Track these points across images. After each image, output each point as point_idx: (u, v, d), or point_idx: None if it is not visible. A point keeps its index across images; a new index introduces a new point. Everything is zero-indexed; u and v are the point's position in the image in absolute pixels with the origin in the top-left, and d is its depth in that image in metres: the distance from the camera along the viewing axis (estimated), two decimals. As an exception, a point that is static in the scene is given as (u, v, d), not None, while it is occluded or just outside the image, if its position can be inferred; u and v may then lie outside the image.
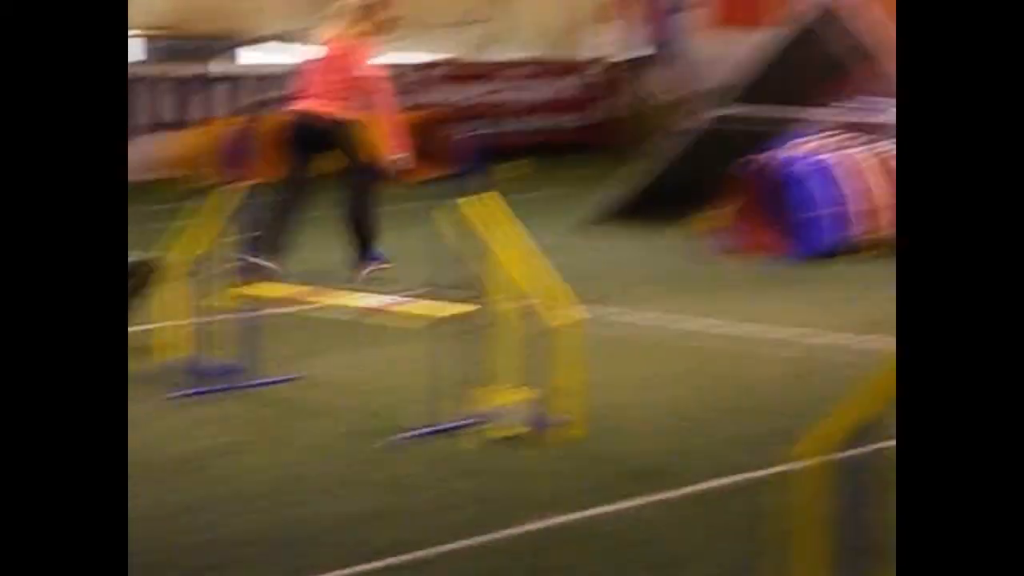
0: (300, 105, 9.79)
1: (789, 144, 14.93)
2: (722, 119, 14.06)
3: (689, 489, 6.40)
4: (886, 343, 8.97)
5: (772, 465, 6.65)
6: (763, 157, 13.20)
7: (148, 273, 9.56)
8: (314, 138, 9.69)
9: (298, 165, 9.54)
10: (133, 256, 9.33)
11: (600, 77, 23.09)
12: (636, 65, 22.43)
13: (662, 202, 14.67)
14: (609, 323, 9.87)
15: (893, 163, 13.26)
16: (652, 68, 22.12)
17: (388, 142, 9.77)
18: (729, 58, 19.47)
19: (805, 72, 14.60)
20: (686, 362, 8.76)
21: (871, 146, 14.06)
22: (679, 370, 8.54)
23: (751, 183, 12.99)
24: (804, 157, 13.59)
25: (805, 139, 15.26)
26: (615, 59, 23.21)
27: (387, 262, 9.89)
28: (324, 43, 10.01)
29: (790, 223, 12.55)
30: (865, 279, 11.65)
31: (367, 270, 9.74)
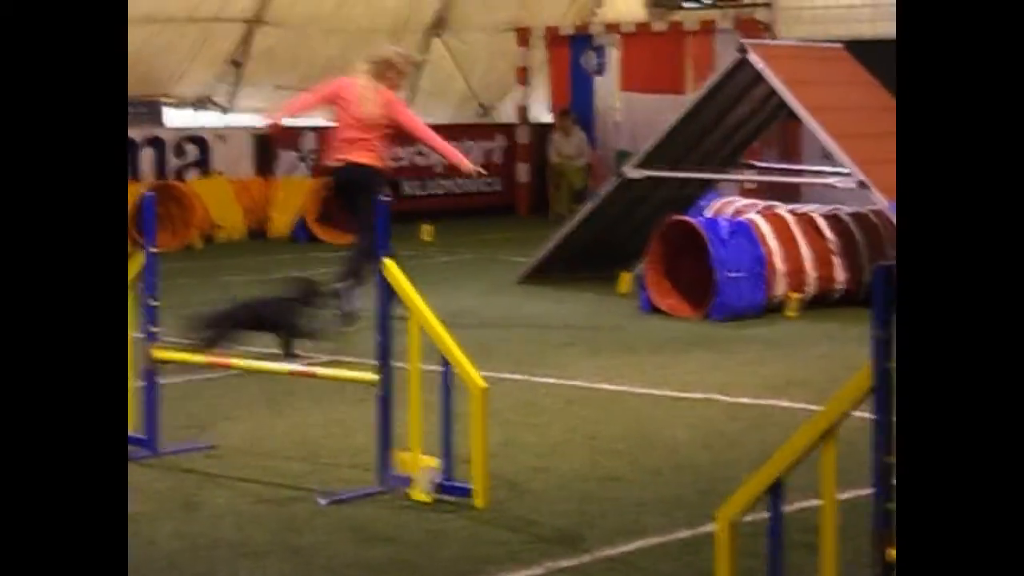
0: (342, 158, 11.80)
1: (710, 204, 15.01)
2: (642, 180, 14.08)
3: (602, 553, 6.33)
4: (803, 404, 9.01)
5: (687, 527, 6.61)
6: (683, 217, 13.22)
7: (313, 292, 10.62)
8: (355, 185, 11.60)
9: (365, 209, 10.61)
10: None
11: (520, 139, 23.14)
12: (553, 128, 22.50)
13: (582, 262, 14.68)
14: (526, 385, 9.82)
15: (815, 224, 13.33)
16: (571, 131, 22.17)
17: (458, 158, 12.13)
18: (648, 120, 19.61)
19: (725, 133, 14.67)
20: (601, 424, 8.71)
21: (792, 206, 14.14)
22: (594, 432, 8.49)
23: (671, 243, 13.01)
24: (725, 217, 13.63)
25: (726, 199, 15.35)
26: (534, 121, 23.28)
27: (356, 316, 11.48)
28: (348, 99, 11.78)
29: (711, 283, 12.56)
30: (786, 340, 11.67)
31: (344, 312, 11.53)
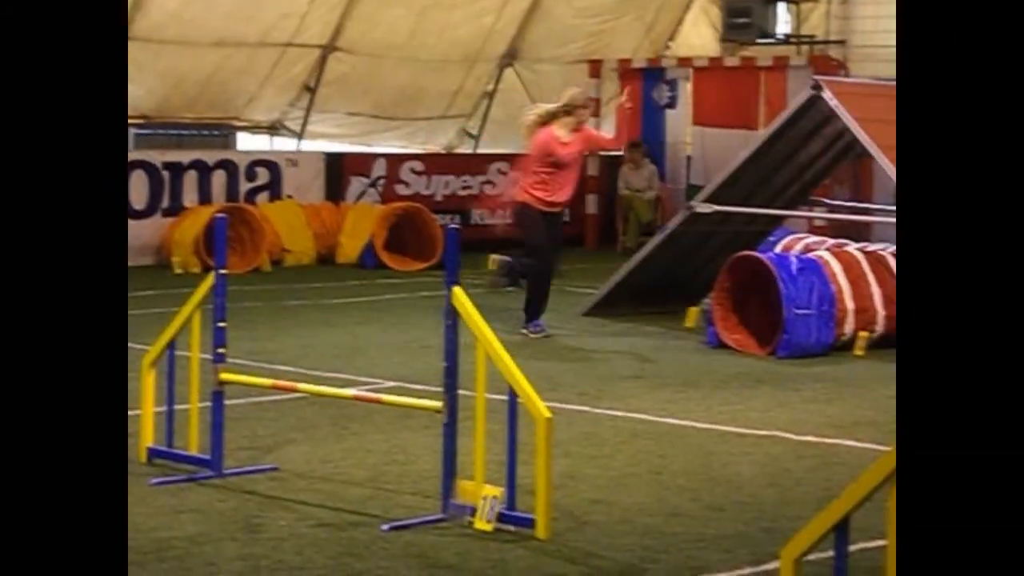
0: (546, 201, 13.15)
1: (779, 241, 14.95)
2: (711, 215, 14.03)
3: (664, 588, 6.29)
4: (869, 444, 8.93)
5: (750, 565, 6.56)
6: (752, 253, 13.17)
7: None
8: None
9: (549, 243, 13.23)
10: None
11: (589, 171, 23.13)
12: (623, 161, 22.48)
13: (649, 296, 14.64)
14: (590, 417, 9.79)
15: (885, 262, 13.24)
16: (640, 163, 22.15)
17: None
18: (719, 154, 19.56)
19: (796, 169, 14.61)
20: (666, 458, 8.67)
21: (863, 245, 14.06)
22: (658, 466, 8.45)
23: (739, 278, 12.96)
24: (794, 254, 13.57)
25: (795, 236, 15.28)
26: (604, 153, 23.26)
27: (547, 332, 13.30)
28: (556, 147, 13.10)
29: (779, 320, 12.50)
30: (853, 379, 11.58)
31: (533, 332, 13.26)
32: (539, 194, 13.14)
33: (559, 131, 13.20)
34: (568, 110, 13.25)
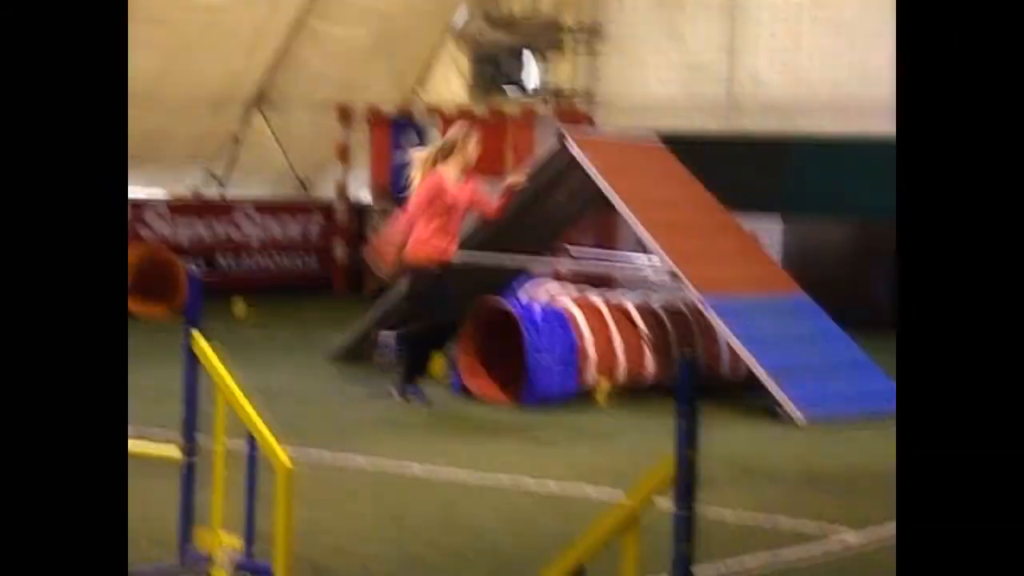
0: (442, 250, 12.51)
1: (524, 290, 15.09)
2: (457, 262, 14.10)
3: (404, 637, 6.28)
4: (609, 492, 9.05)
5: (489, 612, 6.59)
6: (497, 301, 13.27)
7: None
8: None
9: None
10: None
11: (339, 217, 23.11)
12: (374, 208, 22.51)
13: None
14: (334, 465, 9.74)
15: (628, 312, 13.45)
16: (389, 211, 22.19)
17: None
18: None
19: (542, 218, 14.78)
20: (408, 506, 8.66)
21: (607, 295, 14.26)
22: (400, 514, 8.44)
23: (485, 326, 13.04)
24: (539, 304, 13.70)
25: (540, 284, 15.44)
26: (353, 200, 23.27)
27: (429, 402, 12.43)
28: (446, 192, 12.37)
29: (523, 368, 12.60)
30: (595, 427, 11.72)
31: (413, 397, 12.45)
32: (437, 243, 12.46)
33: (449, 173, 12.53)
34: (446, 151, 12.56)
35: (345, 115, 22.99)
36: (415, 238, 12.45)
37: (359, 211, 22.95)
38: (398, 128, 22.85)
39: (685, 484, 4.83)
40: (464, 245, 14.09)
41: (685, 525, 4.87)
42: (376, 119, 22.96)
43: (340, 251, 22.90)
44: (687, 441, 4.81)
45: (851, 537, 8.29)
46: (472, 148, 12.62)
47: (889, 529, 8.53)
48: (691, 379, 4.81)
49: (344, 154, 23.15)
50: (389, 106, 23.21)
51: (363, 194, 23.39)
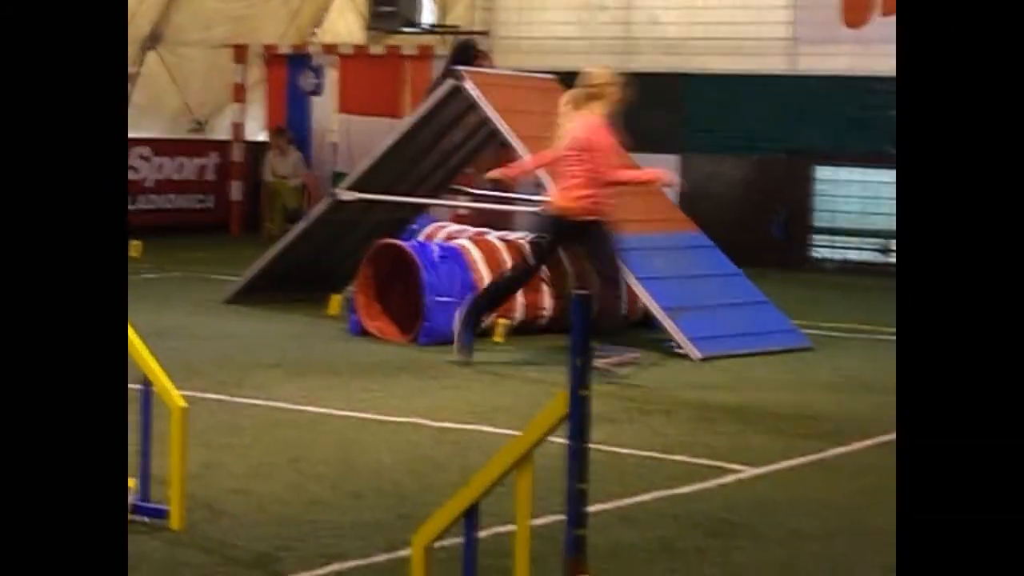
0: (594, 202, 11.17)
1: (420, 229, 15.06)
2: (354, 203, 14.06)
3: (298, 577, 6.28)
4: (506, 430, 9.08)
5: (385, 552, 6.60)
6: (394, 241, 13.24)
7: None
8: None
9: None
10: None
11: (234, 157, 22.94)
12: (268, 147, 22.38)
13: (293, 283, 14.59)
14: (230, 406, 9.70)
15: (525, 250, 13.44)
16: (286, 150, 22.05)
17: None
18: (365, 142, 19.61)
19: (439, 158, 14.75)
20: (305, 447, 8.65)
21: (505, 234, 14.26)
22: (297, 455, 8.43)
23: (382, 266, 13.01)
24: (435, 243, 13.69)
25: (438, 225, 15.42)
26: (250, 140, 23.10)
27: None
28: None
29: (420, 307, 12.59)
30: (493, 366, 11.74)
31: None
32: (587, 193, 11.19)
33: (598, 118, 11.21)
34: (592, 94, 11.26)
35: (240, 54, 22.78)
36: (567, 186, 11.22)
37: (255, 151, 22.77)
38: (294, 67, 22.69)
39: (578, 422, 4.86)
40: (361, 187, 14.06)
41: (579, 463, 4.90)
42: (272, 58, 22.78)
43: (236, 191, 22.74)
44: (580, 379, 4.83)
45: (745, 472, 8.38)
46: (617, 92, 11.32)
47: (783, 464, 8.64)
48: (585, 317, 4.83)
49: (240, 94, 22.95)
50: (285, 45, 23.03)
51: (259, 134, 23.22)
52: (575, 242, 11.61)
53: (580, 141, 11.14)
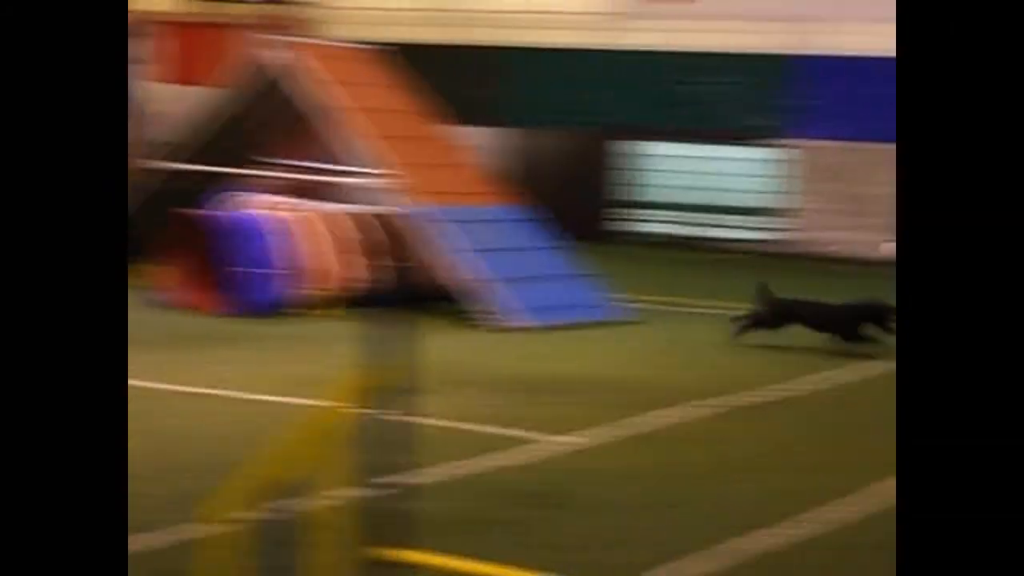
0: None
1: (235, 200, 14.79)
2: (169, 174, 13.78)
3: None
4: (319, 402, 8.89)
5: (190, 523, 6.39)
6: (208, 212, 12.97)
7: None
8: None
9: None
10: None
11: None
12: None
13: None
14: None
15: (341, 222, 13.26)
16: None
17: None
18: (179, 113, 19.26)
19: (256, 131, 14.49)
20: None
21: (320, 205, 14.05)
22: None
23: (195, 238, 12.74)
24: (250, 213, 13.43)
25: (252, 196, 15.15)
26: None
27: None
28: None
29: (234, 279, 12.35)
30: (306, 337, 11.56)
31: None
32: None
33: None
34: None
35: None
36: None
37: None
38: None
39: (388, 392, 4.75)
40: (170, 157, 13.76)
41: (392, 435, 4.79)
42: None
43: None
44: (389, 350, 4.72)
45: (558, 441, 8.30)
46: None
47: (598, 432, 8.57)
48: (400, 288, 4.72)
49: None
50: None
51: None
52: None
53: None
